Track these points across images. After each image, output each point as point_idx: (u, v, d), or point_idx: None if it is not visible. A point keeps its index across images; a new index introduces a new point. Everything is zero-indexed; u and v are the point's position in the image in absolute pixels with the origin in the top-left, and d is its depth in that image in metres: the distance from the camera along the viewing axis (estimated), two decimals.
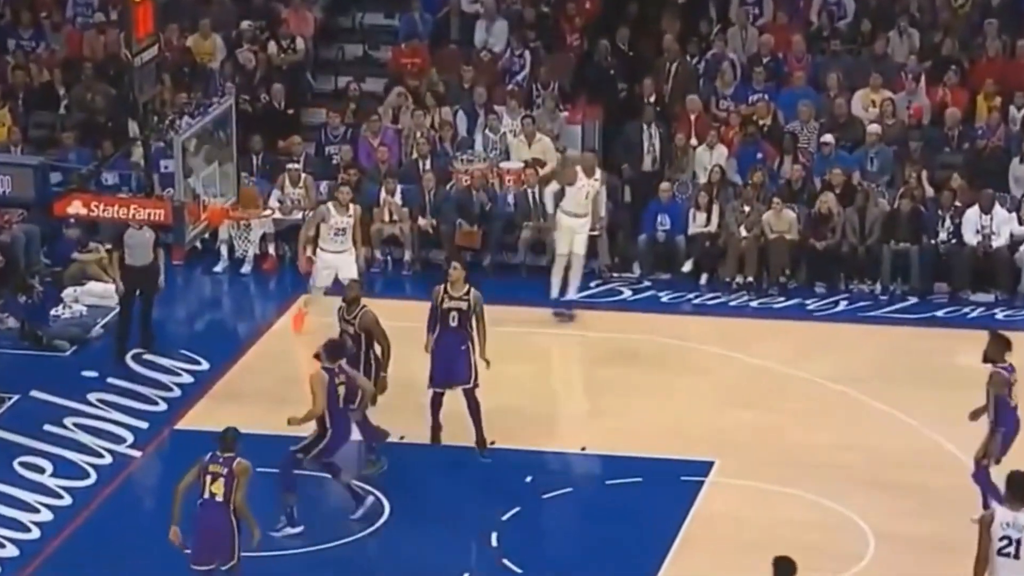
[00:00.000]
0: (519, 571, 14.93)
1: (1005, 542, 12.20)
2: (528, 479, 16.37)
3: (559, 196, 19.95)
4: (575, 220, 19.80)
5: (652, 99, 22.86)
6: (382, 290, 20.71)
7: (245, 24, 24.13)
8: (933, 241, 21.07)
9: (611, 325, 20.03)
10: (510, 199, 21.99)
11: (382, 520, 15.65)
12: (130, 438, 17.31)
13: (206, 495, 13.62)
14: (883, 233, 21.12)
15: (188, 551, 13.79)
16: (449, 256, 16.55)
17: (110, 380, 18.44)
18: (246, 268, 21.83)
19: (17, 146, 22.28)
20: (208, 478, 13.61)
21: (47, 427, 17.38)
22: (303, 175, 21.90)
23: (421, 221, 21.88)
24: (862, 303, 20.79)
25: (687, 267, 21.50)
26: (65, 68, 23.93)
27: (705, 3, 24.20)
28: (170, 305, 20.30)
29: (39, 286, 20.41)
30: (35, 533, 15.58)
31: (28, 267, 20.97)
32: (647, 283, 21.31)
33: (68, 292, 20.52)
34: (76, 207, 16.95)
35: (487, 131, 22.74)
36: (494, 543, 15.32)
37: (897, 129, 22.26)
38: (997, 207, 20.98)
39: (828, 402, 18.05)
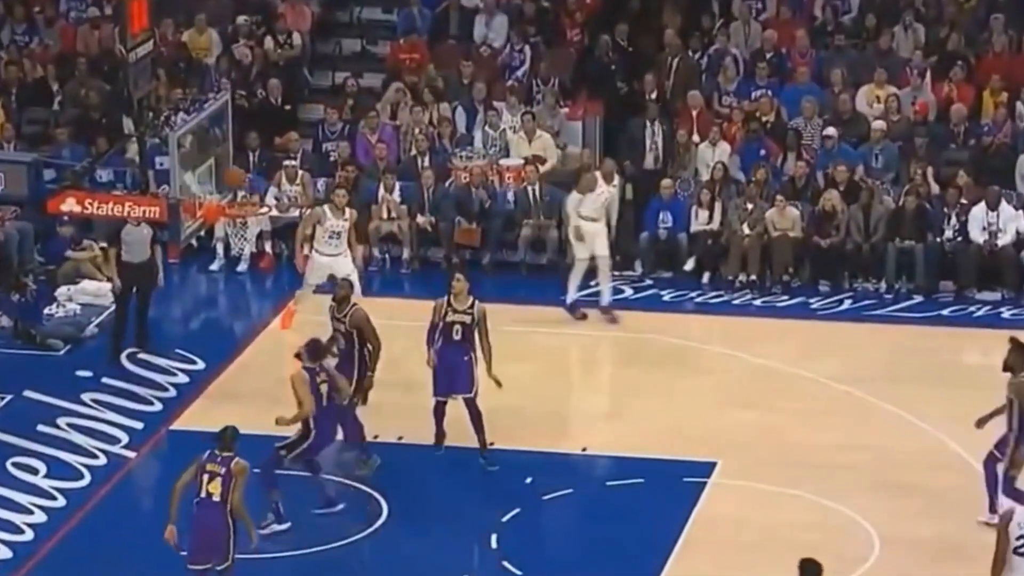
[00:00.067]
0: (519, 573, 14.85)
1: (1022, 541, 12.34)
2: (528, 480, 16.30)
3: (578, 203, 19.82)
4: (593, 224, 19.80)
5: (654, 95, 22.83)
6: (380, 288, 20.69)
7: (241, 19, 24.14)
8: (939, 239, 21.04)
9: (612, 324, 19.92)
10: (510, 196, 21.96)
11: (380, 521, 15.60)
12: (125, 438, 17.26)
13: (203, 494, 13.55)
14: (888, 231, 21.07)
15: (183, 551, 13.73)
16: (452, 266, 16.43)
17: (104, 380, 18.41)
18: (242, 266, 21.80)
19: (10, 142, 22.25)
20: (205, 477, 13.55)
21: (40, 427, 17.33)
22: (300, 172, 21.87)
23: (420, 219, 21.84)
24: (867, 302, 20.75)
25: (689, 265, 21.45)
26: (59, 63, 23.94)
27: None
28: (166, 304, 20.26)
29: (32, 284, 20.48)
30: (28, 535, 15.49)
31: (21, 265, 20.91)
32: (649, 281, 21.27)
33: (62, 291, 20.45)
34: (70, 204, 17.04)
35: (486, 127, 22.69)
36: (494, 545, 15.25)
37: (902, 125, 22.23)
38: (1003, 204, 20.93)
39: (832, 402, 18.01)
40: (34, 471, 16.51)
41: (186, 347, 19.16)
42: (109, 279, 19.55)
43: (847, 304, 20.69)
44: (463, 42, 24.16)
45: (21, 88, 23.56)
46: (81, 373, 18.57)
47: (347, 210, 19.09)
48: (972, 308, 20.49)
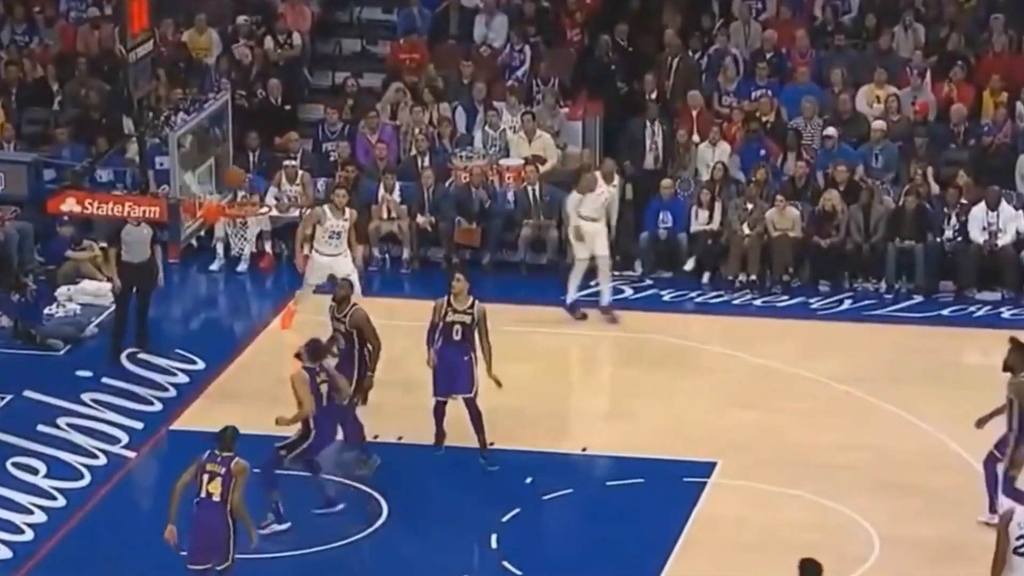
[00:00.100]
0: (519, 573, 14.83)
1: (1022, 541, 12.35)
2: (528, 480, 16.27)
3: (578, 203, 19.80)
4: (593, 224, 19.78)
5: (654, 95, 22.79)
6: (380, 288, 20.66)
7: (241, 19, 24.11)
8: (939, 239, 21.01)
9: (612, 324, 19.91)
10: (510, 196, 21.93)
11: (380, 521, 15.57)
12: (125, 438, 17.23)
13: (203, 494, 13.53)
14: (888, 231, 21.05)
15: (183, 552, 13.71)
16: (452, 267, 16.42)
17: (104, 380, 18.38)
18: (242, 266, 21.76)
19: (10, 142, 22.23)
20: (205, 477, 13.52)
21: (40, 427, 17.29)
22: (300, 172, 21.84)
23: (420, 219, 21.81)
24: (867, 302, 20.72)
25: (689, 265, 21.43)
26: (59, 63, 23.91)
27: None
28: (166, 304, 20.23)
29: (32, 284, 20.45)
30: (28, 535, 15.46)
31: (21, 265, 20.88)
32: (649, 281, 21.26)
33: (62, 291, 20.43)
34: (70, 204, 17.02)
35: (486, 127, 22.66)
36: (494, 545, 15.21)
37: (902, 125, 22.20)
38: (1003, 204, 20.90)
39: (832, 402, 17.98)
40: (34, 471, 16.49)
41: (186, 347, 19.13)
42: (109, 279, 19.53)
43: (847, 304, 20.66)
44: (463, 42, 24.13)
45: (21, 88, 23.54)
46: (81, 373, 18.55)
47: (347, 210, 19.06)
48: (972, 308, 20.46)
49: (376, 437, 16.64)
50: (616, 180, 20.27)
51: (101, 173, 21.67)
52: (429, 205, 21.87)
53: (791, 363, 18.79)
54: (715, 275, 21.24)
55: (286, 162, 21.93)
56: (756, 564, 14.80)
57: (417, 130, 22.53)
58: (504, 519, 15.57)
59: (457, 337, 16.30)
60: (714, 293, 20.97)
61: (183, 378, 18.49)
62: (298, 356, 15.30)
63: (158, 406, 17.87)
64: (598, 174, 20.07)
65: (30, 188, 17.66)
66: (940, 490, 15.96)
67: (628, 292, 20.79)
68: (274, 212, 21.21)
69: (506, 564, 14.89)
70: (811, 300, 20.74)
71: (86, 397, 17.93)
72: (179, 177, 16.68)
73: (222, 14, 24.32)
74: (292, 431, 15.28)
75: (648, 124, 22.34)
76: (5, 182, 17.15)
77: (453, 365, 16.30)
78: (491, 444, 16.61)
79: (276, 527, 15.17)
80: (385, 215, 21.81)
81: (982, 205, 20.84)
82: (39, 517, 15.72)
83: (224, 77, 23.15)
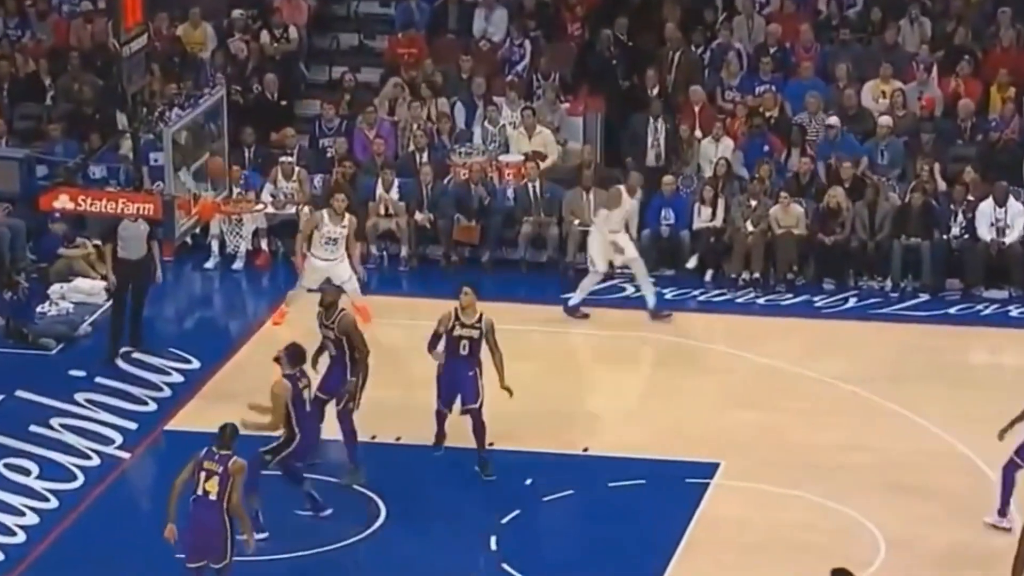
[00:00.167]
0: None
1: None
2: (528, 481, 16.22)
3: (606, 219, 19.82)
4: (615, 235, 19.83)
5: (655, 90, 22.73)
6: (378, 286, 20.62)
7: (237, 13, 24.12)
8: (945, 236, 20.97)
9: (613, 323, 19.89)
10: (509, 193, 21.90)
11: (378, 523, 15.51)
12: (119, 439, 17.19)
13: (199, 492, 13.46)
14: (894, 228, 21.00)
15: (181, 556, 13.68)
16: (462, 283, 16.31)
17: (98, 379, 18.34)
18: (238, 264, 21.69)
19: (2, 138, 22.23)
20: (202, 475, 13.48)
21: (33, 428, 17.25)
22: (296, 168, 21.83)
23: (418, 216, 21.75)
24: (872, 300, 20.67)
25: (692, 263, 21.36)
26: (51, 58, 23.86)
27: None
28: (160, 302, 20.19)
29: (25, 282, 20.28)
30: (20, 537, 15.39)
31: (13, 263, 20.81)
32: (651, 279, 21.01)
33: (54, 289, 20.38)
34: (63, 201, 16.94)
35: (486, 123, 22.63)
36: (493, 547, 15.17)
37: (908, 121, 22.19)
38: (1011, 200, 20.88)
39: (837, 402, 17.93)
40: (26, 472, 16.44)
41: (181, 346, 19.09)
42: (103, 277, 19.51)
43: (852, 302, 20.60)
44: (462, 36, 24.11)
45: (13, 83, 23.49)
46: (74, 373, 18.50)
47: (346, 216, 19.05)
48: (979, 306, 20.40)
49: (374, 438, 16.64)
50: (639, 193, 20.27)
51: (94, 169, 21.65)
52: (428, 202, 21.79)
53: (795, 362, 18.74)
54: (718, 273, 21.20)
55: (282, 158, 21.87)
56: (759, 566, 14.78)
57: (415, 126, 22.48)
58: (504, 521, 15.52)
59: (464, 352, 16.21)
60: (717, 291, 20.91)
61: (178, 377, 18.44)
62: (277, 360, 15.18)
63: (152, 406, 17.83)
64: (623, 188, 20.03)
65: (22, 185, 17.69)
66: (947, 492, 15.93)
67: (629, 290, 20.65)
68: (270, 209, 21.25)
69: (506, 567, 14.83)
70: (815, 298, 20.68)
71: (79, 397, 17.89)
72: (173, 174, 16.53)
73: (217, 8, 24.28)
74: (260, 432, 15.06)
75: (652, 121, 22.27)
76: None
77: (458, 379, 16.22)
78: (491, 444, 16.52)
79: (256, 536, 14.97)
80: (383, 212, 21.69)
81: (989, 201, 20.80)
82: (31, 519, 15.69)
83: (219, 72, 23.08)
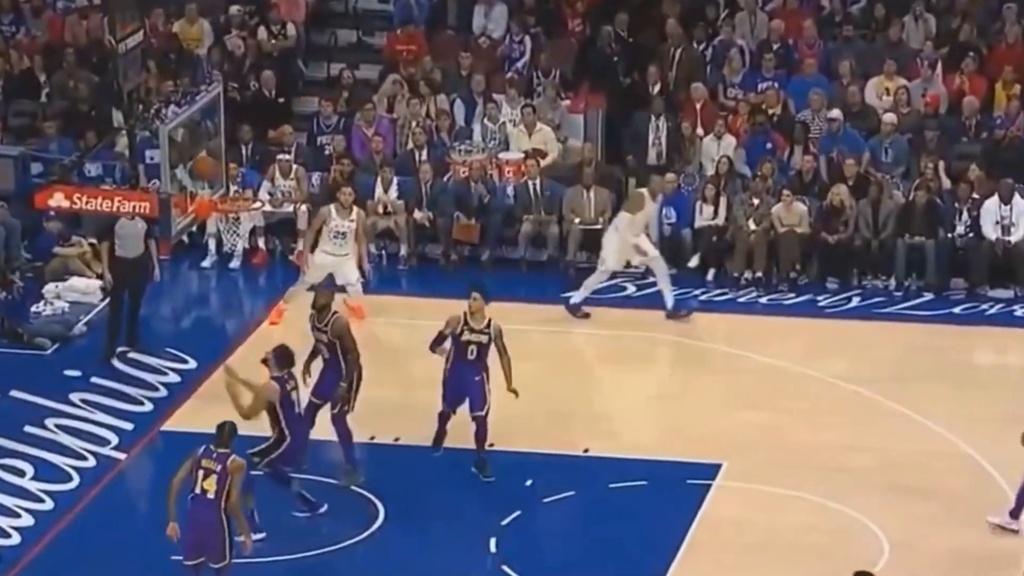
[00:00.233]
0: None
1: None
2: (528, 482, 16.20)
3: (629, 223, 19.73)
4: (638, 239, 19.80)
5: (657, 87, 22.69)
6: (377, 285, 20.52)
7: (234, 9, 24.06)
8: (950, 235, 20.93)
9: (615, 322, 19.84)
10: (509, 191, 21.85)
11: (377, 524, 15.48)
12: (114, 440, 17.17)
13: (197, 490, 13.48)
14: (898, 226, 20.95)
15: (177, 557, 13.75)
16: (471, 285, 16.23)
17: (94, 379, 18.32)
18: (235, 263, 21.63)
19: None
20: (200, 473, 13.51)
21: (28, 428, 17.25)
22: (294, 166, 21.77)
23: (417, 214, 21.70)
24: (876, 299, 20.63)
25: (693, 262, 21.30)
26: (46, 54, 23.82)
27: None
28: (156, 301, 20.14)
29: (19, 281, 20.35)
30: (15, 539, 15.35)
31: (8, 262, 20.75)
32: (652, 279, 20.93)
33: (49, 288, 20.31)
34: (58, 199, 16.83)
35: (486, 120, 22.57)
36: (493, 549, 15.16)
37: (912, 118, 22.13)
38: (1016, 198, 20.83)
39: (840, 402, 17.91)
40: (21, 473, 16.42)
41: (177, 346, 19.06)
42: (99, 275, 19.45)
43: (856, 302, 20.55)
44: (461, 33, 24.06)
45: (8, 80, 23.46)
46: (69, 372, 18.47)
47: (354, 209, 19.12)
48: (984, 306, 20.36)
49: (373, 438, 16.63)
50: (660, 197, 20.25)
51: (90, 167, 21.64)
52: (427, 200, 21.73)
53: (798, 362, 18.70)
54: (720, 272, 21.14)
55: (280, 156, 21.81)
56: (761, 566, 14.76)
57: (415, 123, 22.42)
58: (504, 522, 15.50)
59: (471, 357, 16.15)
60: (719, 290, 20.86)
61: (174, 377, 18.42)
62: (264, 362, 15.12)
63: (149, 406, 17.81)
64: (645, 192, 19.98)
65: (17, 182, 17.67)
66: (951, 493, 15.90)
67: (631, 289, 20.62)
68: (267, 207, 21.18)
69: (506, 568, 14.82)
70: (819, 298, 20.64)
71: (75, 397, 17.86)
72: (169, 172, 16.45)
73: (214, 4, 24.21)
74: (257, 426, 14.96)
75: (652, 118, 22.21)
76: None
77: (464, 384, 16.18)
78: (491, 445, 16.46)
79: (254, 536, 14.88)
80: (381, 210, 21.63)
81: (994, 199, 20.75)
82: (26, 520, 15.67)
83: (216, 69, 23.00)
